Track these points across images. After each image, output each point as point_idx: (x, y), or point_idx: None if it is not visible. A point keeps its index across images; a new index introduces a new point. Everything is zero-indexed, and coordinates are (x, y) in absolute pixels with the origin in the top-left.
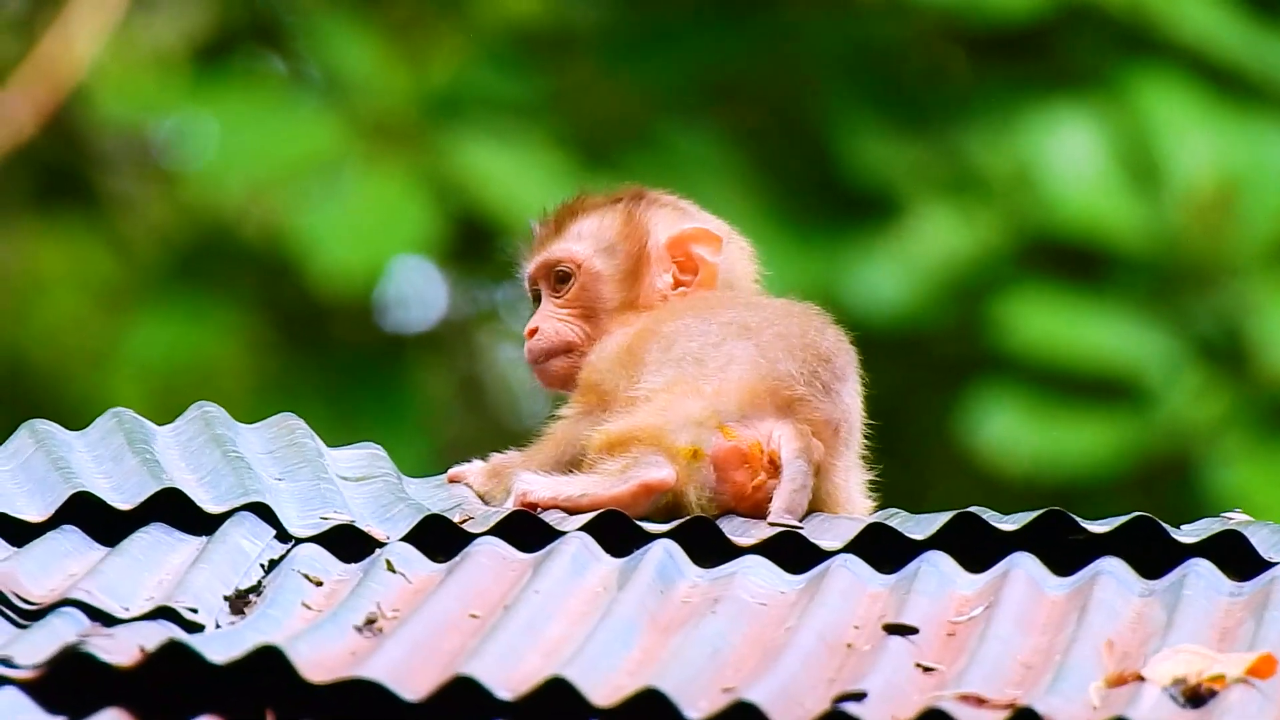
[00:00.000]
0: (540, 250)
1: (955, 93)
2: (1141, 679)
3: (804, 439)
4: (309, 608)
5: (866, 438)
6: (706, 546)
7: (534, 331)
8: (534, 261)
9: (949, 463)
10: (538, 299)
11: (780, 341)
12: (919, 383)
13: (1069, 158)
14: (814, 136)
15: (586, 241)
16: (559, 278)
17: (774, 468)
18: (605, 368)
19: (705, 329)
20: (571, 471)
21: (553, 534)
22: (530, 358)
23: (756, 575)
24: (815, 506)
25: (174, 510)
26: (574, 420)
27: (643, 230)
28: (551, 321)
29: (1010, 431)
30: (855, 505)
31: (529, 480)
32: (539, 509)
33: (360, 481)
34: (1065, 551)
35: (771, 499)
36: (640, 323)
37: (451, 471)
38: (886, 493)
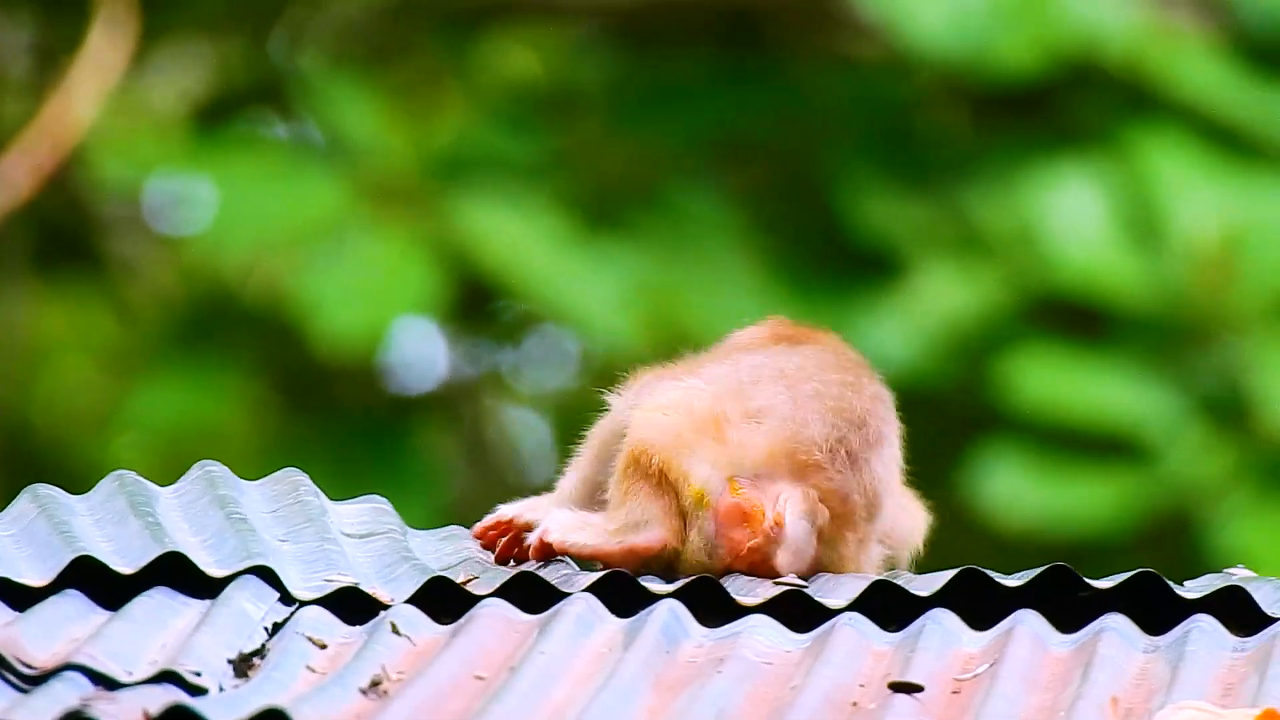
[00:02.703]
0: None
1: (959, 151)
2: None
3: (810, 504)
4: (313, 670)
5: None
6: (711, 606)
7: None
8: None
9: (953, 520)
10: None
11: (815, 402)
12: (923, 440)
13: (1072, 216)
14: (819, 195)
15: None
16: None
17: (776, 530)
18: None
19: (754, 361)
20: (597, 508)
21: (558, 595)
22: None
23: (761, 634)
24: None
25: (177, 573)
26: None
27: None
28: None
29: (1014, 488)
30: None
31: (553, 520)
32: (553, 551)
33: (364, 539)
34: (1069, 608)
35: (765, 561)
36: None
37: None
38: None
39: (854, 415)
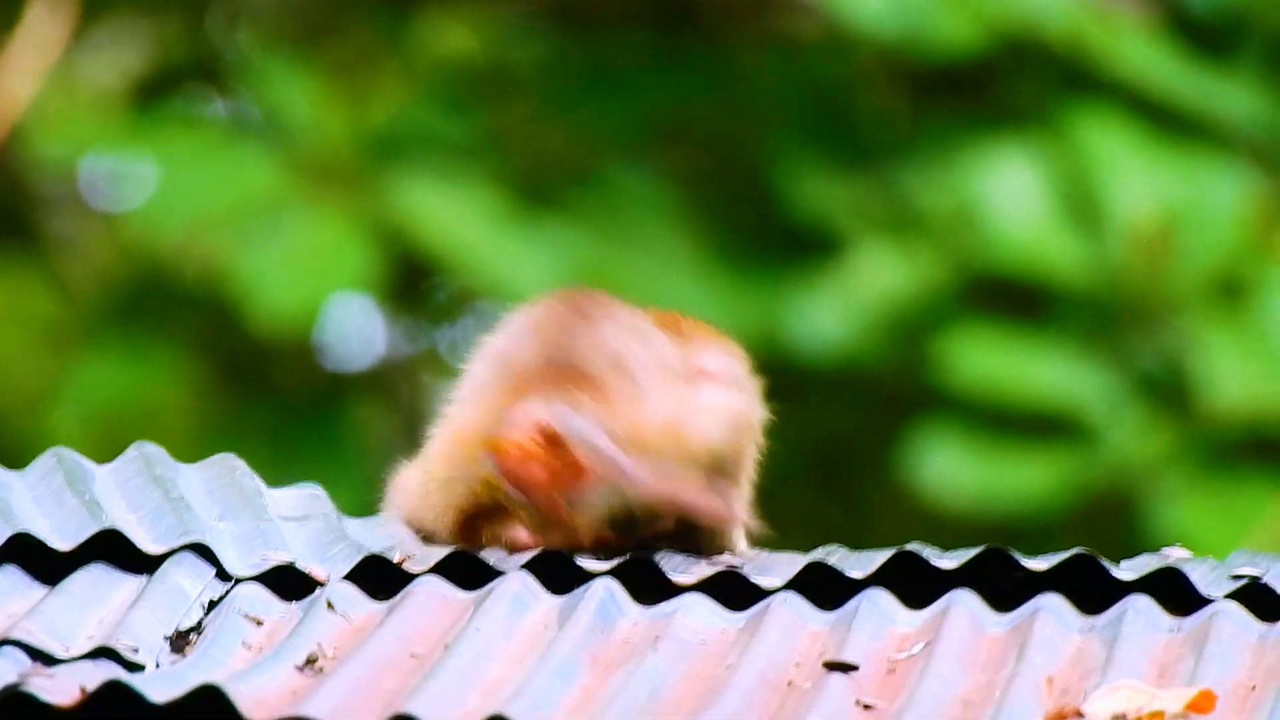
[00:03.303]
0: None
1: (897, 131)
2: (1081, 715)
3: (555, 401)
4: (249, 647)
5: (809, 473)
6: (647, 584)
7: None
8: None
9: (890, 500)
10: None
11: (532, 334)
12: (860, 420)
13: (1010, 195)
14: (755, 175)
15: None
16: None
17: (551, 443)
18: None
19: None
20: None
21: (493, 573)
22: None
23: (697, 613)
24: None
25: (114, 550)
26: None
27: None
28: None
29: (951, 468)
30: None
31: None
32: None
33: (300, 521)
34: (1005, 588)
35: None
36: None
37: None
38: (827, 530)
39: (566, 329)
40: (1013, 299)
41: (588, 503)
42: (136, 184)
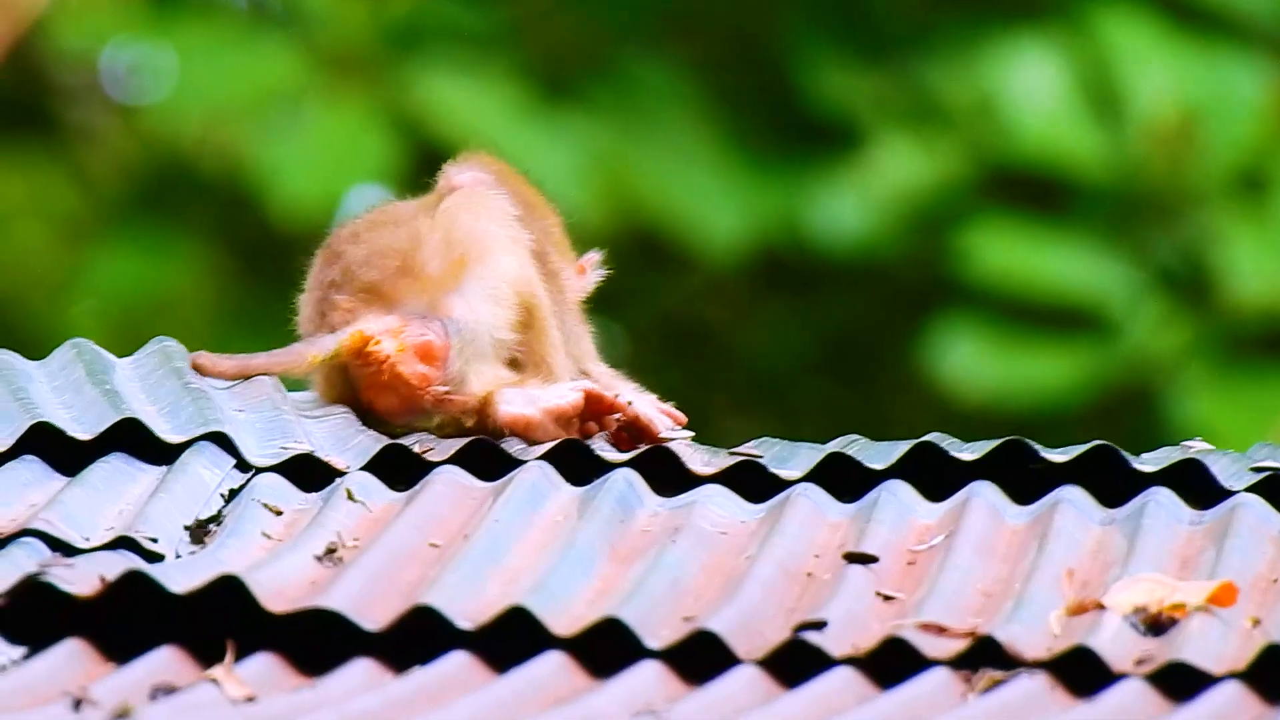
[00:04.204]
0: None
1: (916, 22)
2: (1102, 607)
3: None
4: (269, 537)
5: (828, 365)
6: (666, 476)
7: None
8: None
9: (910, 393)
10: None
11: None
12: (880, 313)
13: (1030, 88)
14: (774, 66)
15: None
16: None
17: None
18: None
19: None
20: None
21: (513, 463)
22: None
23: (716, 504)
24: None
25: (134, 440)
26: None
27: None
28: None
29: (971, 361)
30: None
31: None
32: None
33: (320, 418)
34: (1025, 481)
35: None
36: None
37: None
38: (848, 421)
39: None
40: (1032, 192)
41: None
42: (156, 75)
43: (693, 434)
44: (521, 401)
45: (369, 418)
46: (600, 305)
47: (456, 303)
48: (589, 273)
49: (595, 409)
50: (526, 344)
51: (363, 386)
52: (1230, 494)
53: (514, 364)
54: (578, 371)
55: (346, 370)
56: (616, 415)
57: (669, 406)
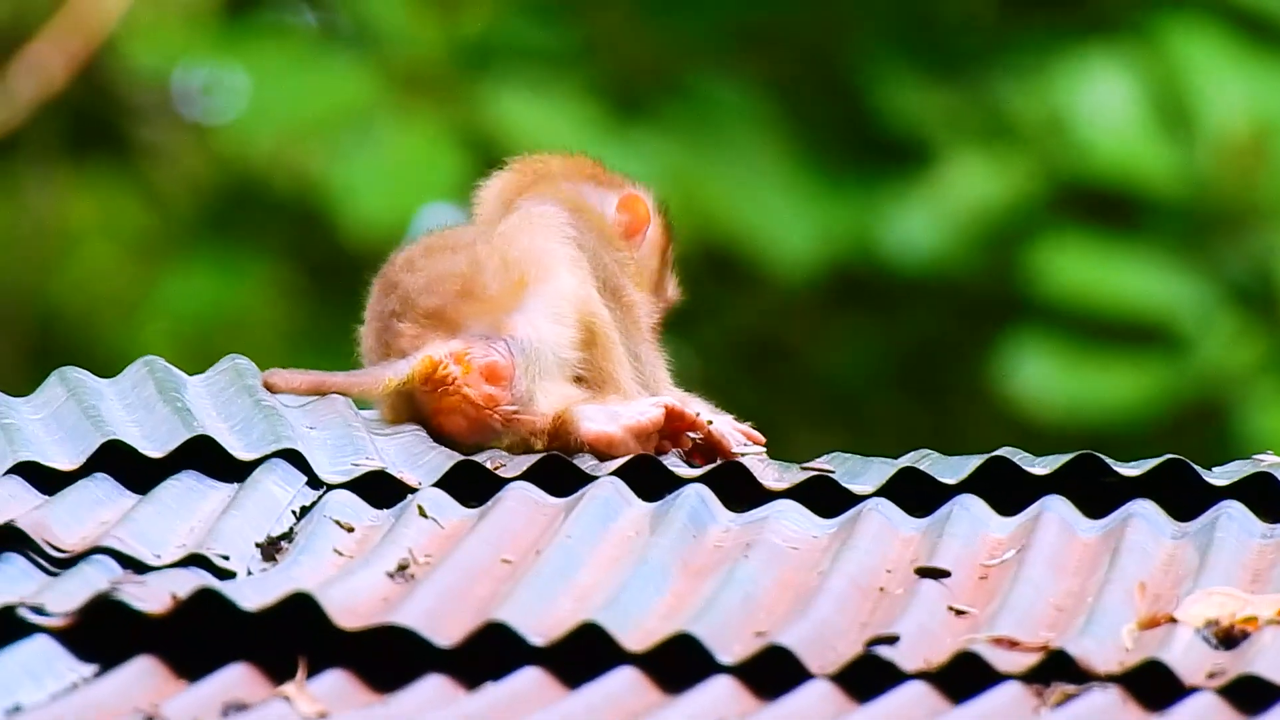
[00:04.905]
0: None
1: (988, 39)
2: (1174, 621)
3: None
4: (341, 554)
5: (900, 380)
6: (738, 491)
7: None
8: None
9: (982, 409)
10: None
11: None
12: (951, 329)
13: (1102, 104)
14: (847, 84)
15: None
16: None
17: (453, 370)
18: None
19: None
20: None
21: (585, 478)
22: None
23: (788, 519)
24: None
25: (205, 458)
26: None
27: None
28: None
29: (1043, 377)
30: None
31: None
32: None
33: (391, 435)
34: (1097, 495)
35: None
36: None
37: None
38: (920, 437)
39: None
40: (1104, 208)
41: None
42: (228, 95)
43: (764, 449)
44: (603, 419)
45: (439, 439)
46: (673, 323)
47: (519, 322)
48: (665, 297)
49: (675, 426)
50: (591, 362)
51: (431, 410)
52: None
53: (580, 382)
54: (648, 393)
55: (413, 395)
56: (694, 434)
57: (746, 426)
